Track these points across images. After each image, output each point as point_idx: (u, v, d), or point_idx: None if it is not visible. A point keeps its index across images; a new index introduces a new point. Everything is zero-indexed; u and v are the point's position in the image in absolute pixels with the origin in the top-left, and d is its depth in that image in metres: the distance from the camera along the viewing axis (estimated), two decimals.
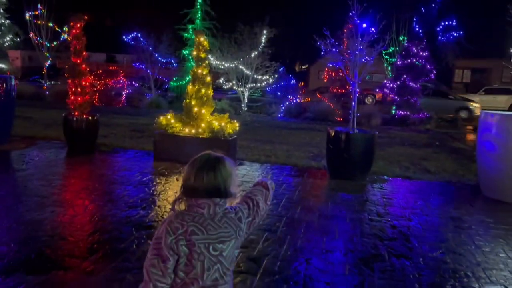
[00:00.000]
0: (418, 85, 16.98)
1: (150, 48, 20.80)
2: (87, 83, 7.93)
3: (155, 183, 5.90)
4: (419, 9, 16.32)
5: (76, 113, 7.78)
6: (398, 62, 16.53)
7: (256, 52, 18.94)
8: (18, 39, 23.46)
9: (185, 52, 20.68)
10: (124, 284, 3.07)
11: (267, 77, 19.54)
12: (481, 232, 4.56)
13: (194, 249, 1.54)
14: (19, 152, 7.48)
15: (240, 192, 1.81)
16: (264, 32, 18.89)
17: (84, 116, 7.83)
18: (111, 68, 23.26)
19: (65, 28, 20.74)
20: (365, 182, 6.64)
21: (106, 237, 3.89)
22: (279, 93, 19.26)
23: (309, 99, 20.55)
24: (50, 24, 22.08)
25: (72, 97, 7.77)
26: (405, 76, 16.55)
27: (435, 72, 17.00)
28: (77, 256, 3.46)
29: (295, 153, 8.85)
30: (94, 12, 40.59)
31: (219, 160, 1.67)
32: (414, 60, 16.61)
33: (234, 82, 19.52)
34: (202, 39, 7.51)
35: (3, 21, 22.36)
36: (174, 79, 21.60)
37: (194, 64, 7.86)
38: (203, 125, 7.42)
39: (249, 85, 19.45)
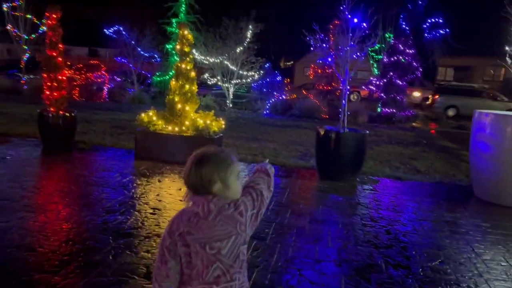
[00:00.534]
0: (404, 82, 16.89)
1: (133, 42, 20.28)
2: (64, 77, 7.50)
3: (135, 184, 5.55)
4: (406, 5, 16.17)
5: (52, 109, 7.36)
6: (385, 59, 16.39)
7: (241, 48, 18.59)
8: None
9: (168, 46, 20.20)
10: None
11: (253, 73, 19.22)
12: (479, 238, 4.36)
13: (191, 249, 1.54)
14: None
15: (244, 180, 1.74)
16: (250, 27, 18.56)
17: (61, 112, 7.41)
18: (92, 62, 22.61)
19: (44, 20, 20.06)
20: (355, 183, 6.40)
21: (80, 247, 3.55)
22: (264, 90, 18.96)
23: (295, 95, 20.33)
24: (29, 16, 21.32)
25: (47, 92, 7.34)
26: (391, 73, 16.43)
27: (421, 69, 16.92)
28: (46, 270, 3.12)
29: (282, 152, 8.58)
30: (76, 4, 39.59)
31: (202, 157, 1.59)
32: (401, 57, 16.50)
33: (219, 77, 19.14)
34: (186, 32, 7.16)
35: None
36: (157, 74, 21.11)
37: (177, 59, 7.51)
38: (187, 122, 7.08)
39: (234, 81, 19.11)
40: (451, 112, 21.83)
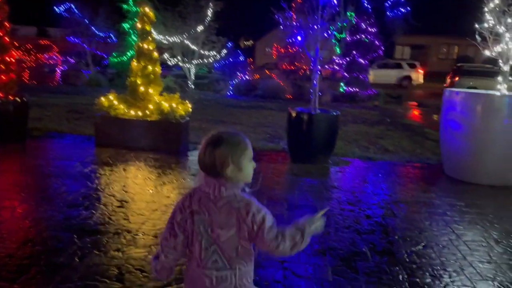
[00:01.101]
0: (366, 61, 16.97)
1: (86, 21, 19.20)
2: (13, 59, 6.87)
3: (98, 174, 5.17)
4: None
5: (0, 94, 6.73)
6: (347, 38, 16.36)
7: (202, 27, 17.99)
8: None
9: (125, 25, 19.27)
10: None
11: (215, 52, 18.70)
12: (457, 219, 4.33)
13: (195, 228, 1.57)
14: None
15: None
16: (210, 5, 17.94)
17: (10, 97, 6.79)
18: (42, 42, 21.29)
19: None
20: (328, 165, 6.28)
21: (41, 248, 3.20)
22: (227, 70, 18.54)
23: (258, 76, 20.05)
24: None
25: None
26: (354, 52, 16.44)
27: (383, 48, 17.03)
28: (3, 277, 2.77)
29: (250, 135, 8.33)
30: None
31: (217, 138, 1.59)
32: (363, 36, 16.51)
33: (179, 58, 18.49)
34: (147, 9, 6.70)
35: None
36: (114, 54, 20.17)
37: (138, 38, 7.04)
38: (151, 106, 6.69)
39: (196, 61, 18.54)
40: None
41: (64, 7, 19.36)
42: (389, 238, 3.77)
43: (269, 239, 1.55)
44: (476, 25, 5.79)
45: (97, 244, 3.32)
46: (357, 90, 16.61)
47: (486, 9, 5.65)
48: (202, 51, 18.50)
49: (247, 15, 42.25)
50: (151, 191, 4.66)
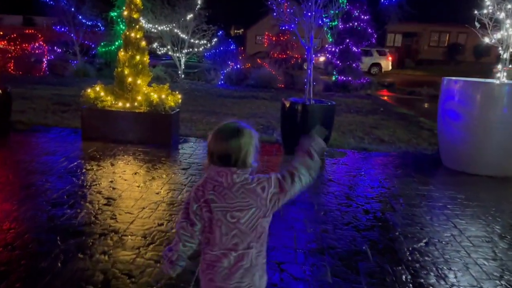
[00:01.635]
0: (359, 49, 16.76)
1: (73, 9, 18.67)
2: None
3: (84, 170, 4.94)
4: None
5: None
6: (340, 26, 16.10)
7: (191, 15, 17.64)
8: None
9: (113, 14, 18.79)
10: None
11: (205, 41, 18.38)
12: (458, 213, 4.19)
13: (213, 216, 1.62)
14: None
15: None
16: None
17: None
18: (28, 31, 20.74)
19: None
20: (323, 157, 6.11)
21: (21, 252, 2.99)
22: (218, 59, 18.21)
23: (249, 65, 19.76)
24: None
25: None
26: (347, 40, 16.20)
27: (376, 36, 16.82)
28: None
29: None
30: None
31: (238, 129, 1.65)
32: (356, 23, 16.27)
33: (169, 47, 18.16)
34: None
35: None
36: (102, 44, 19.70)
37: (125, 27, 6.76)
38: (139, 97, 6.44)
39: (186, 50, 18.21)
40: None
41: None
42: (389, 234, 3.61)
43: (291, 192, 1.69)
44: (476, 12, 5.61)
45: (82, 246, 3.11)
46: (350, 78, 16.41)
47: None
48: (192, 40, 18.18)
49: (237, 3, 41.68)
50: (139, 187, 4.45)
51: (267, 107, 11.13)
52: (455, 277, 2.96)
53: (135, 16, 6.47)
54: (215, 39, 18.68)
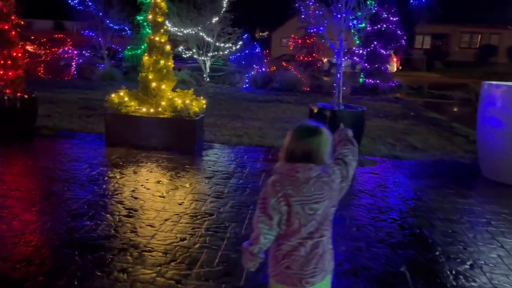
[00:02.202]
0: (388, 52, 16.30)
1: (100, 14, 18.90)
2: (19, 54, 6.56)
3: (107, 178, 4.81)
4: None
5: (7, 91, 6.44)
6: (368, 28, 15.67)
7: (217, 18, 17.56)
8: None
9: (139, 18, 18.92)
10: None
11: (230, 44, 18.26)
12: (504, 230, 3.85)
13: (292, 209, 1.72)
14: None
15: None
16: None
17: (18, 94, 6.50)
18: (57, 36, 21.12)
19: None
20: None
21: (37, 268, 2.85)
22: (243, 62, 18.06)
23: (274, 68, 19.53)
24: None
25: (1, 72, 6.40)
26: (375, 42, 15.78)
27: (405, 38, 16.32)
28: None
29: (269, 131, 7.92)
30: None
31: (317, 129, 1.77)
32: (384, 25, 15.81)
33: (194, 50, 18.13)
34: (159, 0, 6.29)
35: None
36: (128, 47, 19.88)
37: (150, 31, 6.66)
38: (163, 103, 6.31)
39: (211, 54, 18.14)
40: None
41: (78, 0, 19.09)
42: (429, 254, 3.32)
43: (349, 178, 1.87)
44: None
45: (100, 263, 2.95)
46: (378, 81, 15.96)
47: None
48: (217, 43, 18.10)
49: (263, 5, 41.54)
50: (162, 197, 4.28)
51: (293, 111, 10.89)
52: None
53: (159, 19, 6.35)
54: (240, 42, 18.54)
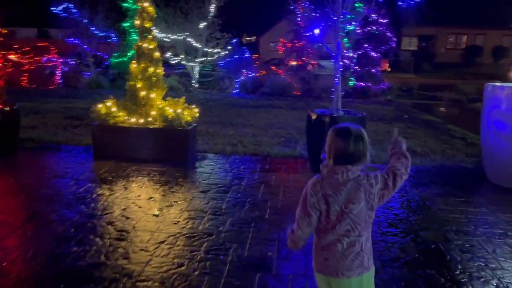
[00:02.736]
0: (378, 54, 16.17)
1: (85, 21, 18.49)
2: None
3: (95, 195, 4.49)
4: None
5: None
6: (358, 30, 15.52)
7: (205, 23, 17.28)
8: None
9: (125, 24, 18.55)
10: None
11: (219, 49, 17.98)
12: None
13: (330, 207, 1.87)
14: None
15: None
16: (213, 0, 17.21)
17: (0, 106, 6.13)
18: (40, 44, 20.64)
19: None
20: None
21: None
22: (232, 67, 17.78)
23: (264, 72, 19.30)
24: None
25: None
26: (366, 45, 15.64)
27: (395, 40, 16.22)
28: None
29: (263, 138, 7.64)
30: None
31: (360, 131, 1.88)
32: (374, 27, 15.68)
33: (182, 56, 17.82)
34: (146, 4, 6.00)
35: None
36: (115, 55, 19.48)
37: (137, 37, 6.36)
38: (153, 112, 6.00)
39: (199, 59, 17.84)
40: None
41: (62, 7, 18.66)
42: (449, 273, 3.06)
43: (394, 189, 1.93)
44: None
45: None
46: (370, 84, 15.81)
47: None
48: (206, 49, 17.81)
49: (249, 10, 41.37)
50: (156, 216, 3.98)
51: (285, 117, 10.63)
52: None
53: (147, 25, 6.06)
54: (229, 47, 18.28)
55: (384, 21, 15.83)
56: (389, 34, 15.91)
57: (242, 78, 17.06)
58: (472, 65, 36.01)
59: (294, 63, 18.49)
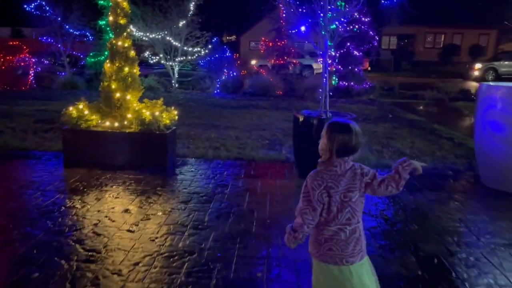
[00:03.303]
0: (361, 53, 16.00)
1: (59, 19, 17.80)
2: None
3: (64, 208, 4.06)
4: None
5: None
6: (340, 29, 15.31)
7: (184, 21, 16.82)
8: None
9: (101, 22, 17.92)
10: None
11: (199, 48, 17.54)
12: None
13: (331, 199, 1.96)
14: None
15: None
16: None
17: None
18: (12, 43, 19.83)
19: None
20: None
21: None
22: (213, 67, 17.36)
23: (245, 72, 18.96)
24: None
25: None
26: (348, 44, 15.44)
27: (377, 38, 16.08)
28: None
29: (247, 141, 7.30)
30: None
31: (348, 125, 2.00)
32: (356, 26, 15.50)
33: (161, 55, 17.32)
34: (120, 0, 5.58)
35: None
36: (91, 54, 18.82)
37: (112, 35, 5.93)
38: (129, 115, 5.59)
39: (179, 59, 17.37)
40: None
41: (35, 4, 17.93)
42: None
43: (375, 191, 2.04)
44: None
45: None
46: (353, 83, 15.63)
47: None
48: (185, 48, 17.37)
49: (229, 9, 40.93)
50: (131, 231, 3.59)
51: (269, 118, 10.31)
52: None
53: (122, 22, 5.64)
54: (209, 46, 17.85)
55: (367, 19, 15.67)
56: (371, 32, 15.75)
57: (223, 77, 16.67)
58: (450, 63, 36.42)
59: (275, 62, 18.21)
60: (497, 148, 4.87)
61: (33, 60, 17.95)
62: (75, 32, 18.67)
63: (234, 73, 17.03)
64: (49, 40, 18.26)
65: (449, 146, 7.47)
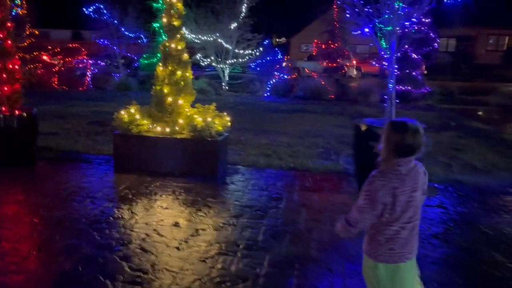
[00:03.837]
0: (419, 56, 15.14)
1: (116, 22, 18.24)
2: (16, 66, 5.73)
3: (111, 219, 3.88)
4: None
5: (3, 108, 5.60)
6: (398, 31, 14.56)
7: (236, 24, 16.68)
8: None
9: (155, 25, 18.19)
10: None
11: (250, 51, 17.34)
12: None
13: (396, 199, 1.90)
14: None
15: None
16: (245, 0, 16.58)
17: (16, 111, 5.66)
18: (71, 45, 20.57)
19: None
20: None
21: None
22: (263, 69, 17.10)
23: (296, 75, 18.56)
24: None
25: None
26: (406, 46, 14.64)
27: (438, 41, 15.15)
28: None
29: (300, 149, 6.92)
30: None
31: (412, 125, 1.96)
32: (416, 27, 14.67)
33: (212, 58, 17.28)
34: (174, 0, 5.39)
35: None
36: (144, 56, 19.17)
37: (165, 37, 5.77)
38: (181, 121, 5.39)
39: (230, 61, 17.25)
40: None
41: (93, 8, 18.49)
42: None
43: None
44: None
45: None
46: (410, 88, 14.82)
47: None
48: (236, 50, 17.23)
49: (280, 11, 40.65)
50: (180, 248, 3.33)
51: (322, 123, 9.87)
52: None
53: (175, 23, 5.45)
54: (260, 49, 17.61)
55: (427, 20, 14.80)
56: (432, 34, 14.86)
57: (274, 80, 16.36)
58: None
59: (328, 65, 17.67)
60: None
61: (90, 61, 18.52)
62: (130, 35, 19.08)
63: (285, 76, 16.68)
64: (105, 42, 18.77)
65: None
